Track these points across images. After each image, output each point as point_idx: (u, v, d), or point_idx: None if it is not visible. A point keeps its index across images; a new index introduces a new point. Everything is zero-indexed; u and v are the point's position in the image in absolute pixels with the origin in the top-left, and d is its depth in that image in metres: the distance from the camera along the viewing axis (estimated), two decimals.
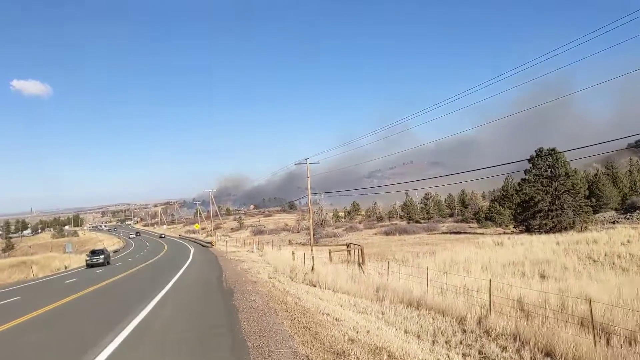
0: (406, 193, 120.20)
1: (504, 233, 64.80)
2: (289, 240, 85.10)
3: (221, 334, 10.58)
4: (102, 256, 49.86)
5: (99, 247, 75.62)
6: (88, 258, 50.10)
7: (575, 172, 62.01)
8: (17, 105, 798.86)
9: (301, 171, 44.93)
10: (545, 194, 60.64)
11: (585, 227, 58.76)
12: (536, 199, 60.95)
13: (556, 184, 60.41)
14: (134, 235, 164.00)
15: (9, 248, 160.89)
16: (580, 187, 60.68)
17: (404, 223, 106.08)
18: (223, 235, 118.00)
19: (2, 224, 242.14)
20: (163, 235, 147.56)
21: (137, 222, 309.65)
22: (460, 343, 13.12)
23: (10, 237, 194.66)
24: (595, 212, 65.61)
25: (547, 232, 57.25)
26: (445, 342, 13.15)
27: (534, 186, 61.91)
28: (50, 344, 11.10)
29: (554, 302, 16.59)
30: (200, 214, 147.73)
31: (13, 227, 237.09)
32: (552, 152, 59.23)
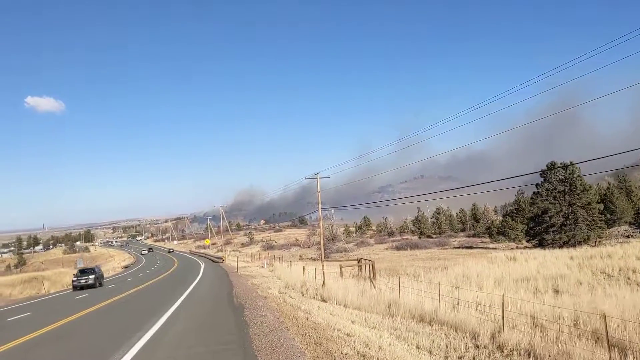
0: (418, 207, 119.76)
1: (517, 248, 64.22)
2: (300, 256, 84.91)
3: (232, 350, 10.54)
4: (92, 276, 42.44)
5: (109, 262, 75.54)
6: (75, 279, 42.36)
7: (591, 187, 61.49)
8: (30, 121, 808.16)
9: (312, 186, 44.88)
10: (559, 208, 60.13)
11: (599, 241, 58.15)
12: (549, 213, 60.44)
13: (569, 197, 59.91)
14: (146, 252, 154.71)
15: (21, 264, 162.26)
16: (594, 201, 60.10)
17: (415, 238, 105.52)
18: (233, 250, 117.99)
19: (14, 240, 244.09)
20: (171, 250, 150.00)
21: (148, 237, 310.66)
22: (473, 359, 12.98)
23: (22, 253, 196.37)
24: (609, 226, 64.89)
25: (560, 246, 56.68)
26: (458, 358, 13.01)
27: (547, 200, 61.42)
28: (68, 356, 11.12)
29: (568, 318, 16.38)
30: (210, 229, 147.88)
31: (25, 243, 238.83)
32: (566, 165, 58.86)
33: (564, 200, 60.31)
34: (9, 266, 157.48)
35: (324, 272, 31.59)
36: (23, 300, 36.99)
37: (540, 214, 62.30)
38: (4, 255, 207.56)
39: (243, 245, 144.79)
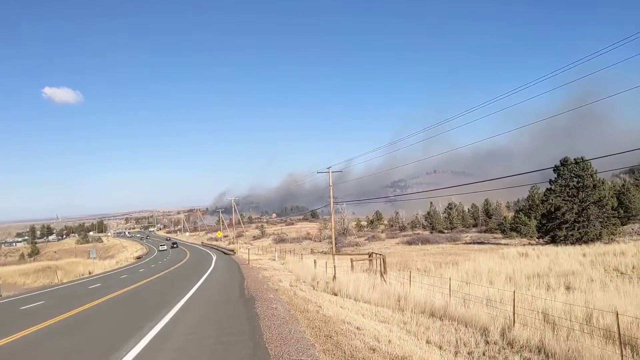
0: (430, 202, 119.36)
1: (529, 244, 63.84)
2: (311, 249, 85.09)
3: (243, 341, 10.62)
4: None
5: (122, 253, 76.30)
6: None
7: (603, 183, 60.89)
8: (47, 112, 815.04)
9: (327, 180, 44.81)
10: (572, 205, 59.67)
11: (613, 238, 57.65)
12: (562, 210, 60.00)
13: (583, 194, 59.41)
14: (164, 247, 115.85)
15: (35, 253, 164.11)
16: (608, 198, 59.53)
17: (426, 233, 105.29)
18: (245, 243, 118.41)
19: (28, 229, 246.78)
20: (175, 245, 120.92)
21: (160, 229, 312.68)
22: (483, 354, 12.96)
23: (36, 242, 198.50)
24: (622, 223, 64.26)
25: (573, 243, 56.28)
26: (468, 354, 13.00)
27: (560, 196, 60.97)
28: (74, 348, 11.26)
29: (580, 315, 16.29)
30: (222, 221, 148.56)
31: (39, 233, 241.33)
32: (579, 161, 58.38)
33: (577, 197, 59.81)
34: (22, 255, 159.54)
35: (334, 266, 31.63)
36: (36, 289, 37.51)
37: (553, 210, 61.88)
38: (18, 245, 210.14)
39: (255, 238, 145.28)
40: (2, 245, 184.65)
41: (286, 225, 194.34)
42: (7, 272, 57.80)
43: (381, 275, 29.86)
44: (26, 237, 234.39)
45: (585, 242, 55.57)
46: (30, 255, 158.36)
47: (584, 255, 40.84)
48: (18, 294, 33.47)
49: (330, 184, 43.63)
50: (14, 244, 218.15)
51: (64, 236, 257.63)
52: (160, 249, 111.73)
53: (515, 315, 15.39)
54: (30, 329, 14.31)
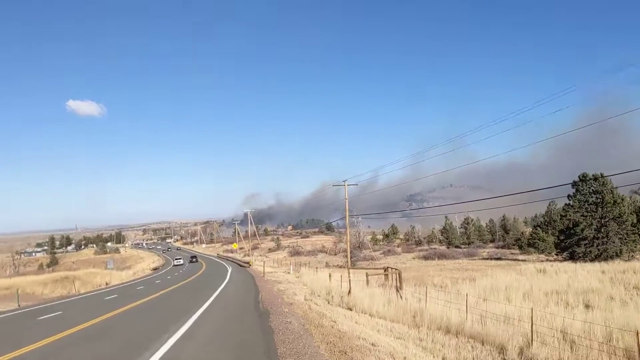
0: (446, 217, 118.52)
1: (547, 260, 62.99)
2: (326, 262, 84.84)
3: (257, 355, 10.60)
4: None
5: (139, 264, 76.53)
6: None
7: (622, 199, 60.03)
8: (70, 124, 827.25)
9: (342, 192, 44.75)
10: (591, 221, 58.86)
11: (633, 256, 56.70)
12: (581, 226, 59.20)
13: (602, 210, 58.59)
14: (181, 261, 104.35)
15: (54, 263, 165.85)
16: (628, 214, 58.63)
17: (443, 248, 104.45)
18: (260, 255, 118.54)
19: (48, 240, 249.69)
20: (195, 259, 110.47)
21: (177, 240, 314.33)
22: None
23: (55, 253, 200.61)
24: None
25: (592, 260, 55.43)
26: None
27: (579, 212, 60.20)
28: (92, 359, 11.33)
29: (599, 334, 16.00)
30: (238, 233, 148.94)
31: (58, 243, 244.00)
32: (598, 177, 57.71)
33: (596, 213, 59.00)
34: (41, 265, 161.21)
35: (349, 280, 31.49)
36: (54, 300, 37.83)
37: (571, 226, 61.07)
38: (38, 255, 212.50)
39: (270, 250, 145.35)
40: (22, 255, 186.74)
41: (301, 237, 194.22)
42: (25, 282, 58.39)
43: (397, 290, 29.65)
44: (45, 247, 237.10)
45: (605, 259, 54.68)
46: (49, 266, 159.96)
47: (603, 272, 40.20)
48: (36, 304, 33.80)
49: (346, 197, 43.59)
50: (34, 254, 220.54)
51: (83, 247, 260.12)
52: (175, 263, 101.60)
53: (534, 333, 15.17)
54: (47, 339, 14.43)
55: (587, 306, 25.60)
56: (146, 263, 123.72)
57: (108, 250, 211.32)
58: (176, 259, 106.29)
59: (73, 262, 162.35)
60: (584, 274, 39.15)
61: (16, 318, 23.70)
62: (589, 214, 59.41)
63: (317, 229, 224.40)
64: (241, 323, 16.19)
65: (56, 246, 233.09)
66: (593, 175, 58.75)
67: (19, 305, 34.31)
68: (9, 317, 24.73)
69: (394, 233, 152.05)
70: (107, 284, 59.69)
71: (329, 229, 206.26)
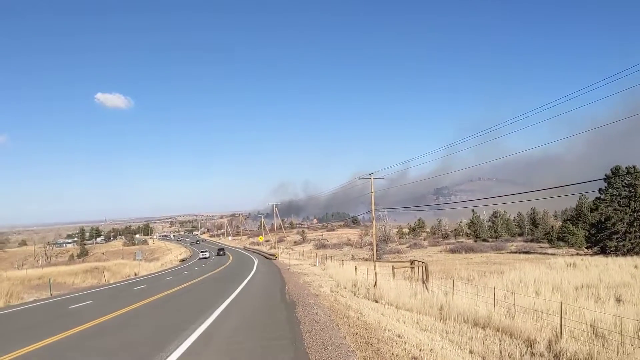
0: (473, 210, 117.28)
1: (577, 254, 61.95)
2: (352, 255, 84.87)
3: (283, 345, 10.65)
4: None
5: (166, 255, 76.93)
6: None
7: None
8: (99, 117, 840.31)
9: (368, 185, 44.62)
10: (623, 215, 57.64)
11: None
12: (613, 220, 58.01)
13: (635, 204, 57.31)
14: (206, 254, 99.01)
15: (84, 254, 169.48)
16: None
17: (470, 241, 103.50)
18: (286, 248, 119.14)
19: (78, 231, 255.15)
20: (198, 241, 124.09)
21: (204, 232, 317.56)
22: None
23: (85, 244, 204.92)
24: None
25: (624, 254, 54.32)
26: None
27: (611, 206, 58.99)
28: (121, 347, 11.53)
29: (631, 328, 15.65)
30: (264, 226, 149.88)
31: (87, 235, 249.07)
32: (632, 171, 56.44)
33: (629, 207, 57.74)
34: (72, 256, 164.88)
35: (375, 273, 31.42)
36: (85, 289, 38.58)
37: (602, 220, 59.91)
38: (68, 246, 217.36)
39: (296, 243, 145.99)
40: (53, 246, 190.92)
41: (327, 231, 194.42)
42: (57, 272, 59.71)
43: (423, 283, 29.48)
44: (76, 239, 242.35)
45: (637, 254, 53.54)
46: (79, 256, 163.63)
47: (636, 267, 39.33)
48: (67, 293, 34.51)
49: (372, 190, 43.46)
50: (65, 245, 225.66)
51: (111, 238, 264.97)
52: (201, 256, 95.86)
53: (563, 326, 14.92)
54: (78, 327, 14.73)
55: (618, 300, 25.07)
56: (174, 255, 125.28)
57: (136, 241, 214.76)
58: (202, 252, 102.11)
59: (102, 253, 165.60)
60: (616, 268, 38.36)
61: (52, 306, 24.25)
62: (621, 207, 58.18)
63: (342, 222, 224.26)
64: (268, 314, 16.28)
65: (86, 238, 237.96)
66: (626, 168, 57.46)
67: (51, 294, 35.08)
68: (44, 304, 25.33)
69: (420, 226, 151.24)
70: (135, 274, 60.63)
71: (354, 222, 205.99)
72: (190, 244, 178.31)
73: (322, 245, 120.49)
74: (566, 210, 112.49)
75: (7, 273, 58.20)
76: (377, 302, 22.91)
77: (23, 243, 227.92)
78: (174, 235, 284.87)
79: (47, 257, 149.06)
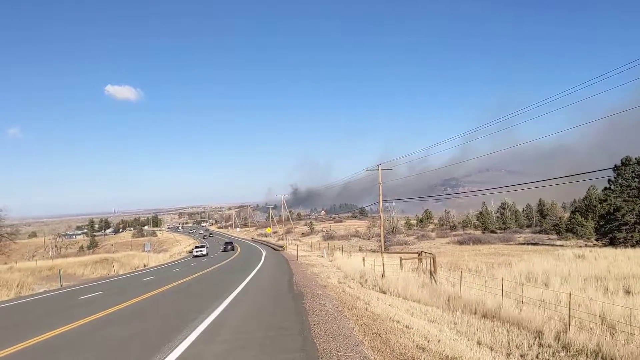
0: (483, 202, 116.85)
1: (586, 246, 61.63)
2: (359, 247, 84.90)
3: (291, 336, 10.70)
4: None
5: (175, 247, 76.64)
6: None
7: None
8: (108, 109, 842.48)
9: (383, 177, 44.47)
10: (633, 206, 57.24)
11: None
12: (622, 211, 57.62)
13: None
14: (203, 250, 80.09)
15: (93, 245, 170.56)
16: None
17: (478, 233, 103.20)
18: (294, 239, 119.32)
19: (87, 223, 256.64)
20: (211, 234, 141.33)
21: (212, 224, 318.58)
22: (537, 358, 12.62)
23: (95, 235, 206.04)
24: None
25: (633, 246, 53.98)
26: (521, 356, 12.69)
27: (620, 197, 58.58)
28: (130, 337, 11.63)
29: None
30: (272, 218, 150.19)
31: (97, 226, 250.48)
32: None
33: (639, 198, 57.32)
34: (82, 247, 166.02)
35: (383, 264, 31.45)
36: (94, 280, 38.95)
37: (612, 211, 59.53)
38: (78, 237, 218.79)
39: (303, 234, 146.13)
40: (63, 238, 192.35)
41: (335, 222, 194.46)
42: (67, 263, 60.14)
43: (431, 274, 29.49)
44: (85, 230, 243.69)
45: None
46: (89, 248, 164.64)
47: None
48: (77, 284, 34.84)
49: (380, 181, 43.39)
50: (74, 236, 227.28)
51: (120, 230, 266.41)
52: (196, 253, 78.51)
53: (571, 318, 14.89)
54: (88, 317, 14.89)
55: (627, 292, 24.99)
56: (182, 246, 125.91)
57: (145, 233, 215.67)
58: (196, 248, 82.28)
59: (112, 245, 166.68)
60: (625, 260, 38.16)
61: (62, 297, 24.49)
62: (631, 199, 57.78)
63: (350, 214, 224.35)
64: (276, 304, 16.34)
65: (95, 229, 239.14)
66: (636, 159, 56.99)
67: (62, 285, 35.41)
68: (55, 295, 25.58)
69: (428, 218, 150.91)
70: (144, 265, 61.05)
71: (362, 213, 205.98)
72: (203, 237, 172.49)
73: (329, 237, 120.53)
74: (574, 201, 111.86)
75: (18, 264, 58.69)
76: (384, 293, 22.95)
77: (33, 235, 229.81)
78: (182, 227, 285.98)
79: (57, 249, 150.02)
